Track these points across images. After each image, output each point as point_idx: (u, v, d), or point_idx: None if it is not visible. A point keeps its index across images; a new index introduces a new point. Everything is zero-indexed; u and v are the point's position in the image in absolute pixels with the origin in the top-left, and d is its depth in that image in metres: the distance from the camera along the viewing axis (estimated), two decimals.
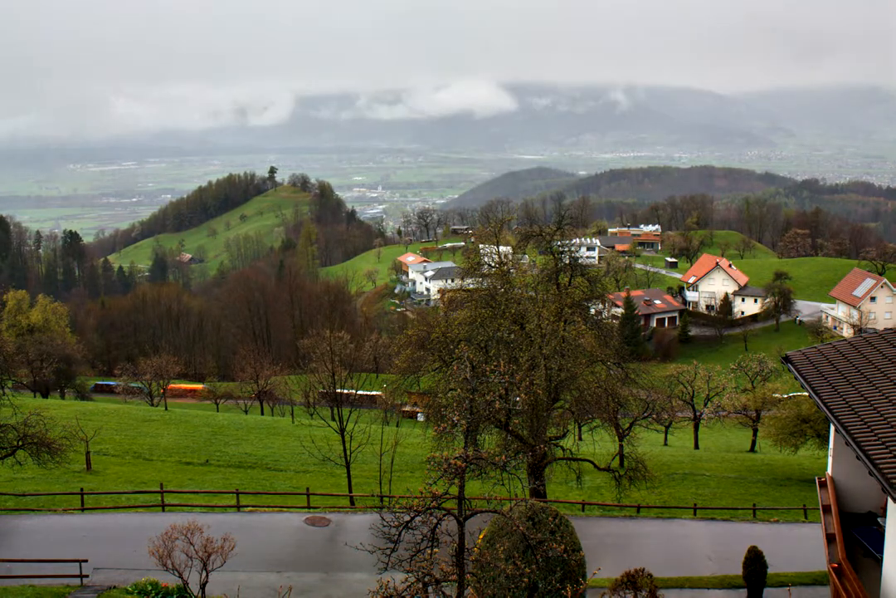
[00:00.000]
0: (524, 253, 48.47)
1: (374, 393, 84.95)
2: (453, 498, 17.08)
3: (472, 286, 40.41)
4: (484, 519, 20.35)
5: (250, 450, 55.04)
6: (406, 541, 16.65)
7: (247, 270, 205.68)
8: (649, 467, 39.35)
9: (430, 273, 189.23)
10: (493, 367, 21.19)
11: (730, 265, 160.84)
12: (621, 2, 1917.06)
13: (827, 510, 18.19)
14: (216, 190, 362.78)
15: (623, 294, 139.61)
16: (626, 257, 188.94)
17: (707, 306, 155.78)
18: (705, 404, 70.39)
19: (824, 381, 17.59)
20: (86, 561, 27.20)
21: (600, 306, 45.44)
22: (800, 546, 32.74)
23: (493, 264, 40.06)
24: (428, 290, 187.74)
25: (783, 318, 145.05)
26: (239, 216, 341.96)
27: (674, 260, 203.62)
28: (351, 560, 28.43)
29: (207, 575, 22.98)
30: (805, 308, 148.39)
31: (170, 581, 24.94)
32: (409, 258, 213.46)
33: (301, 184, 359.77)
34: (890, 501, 14.73)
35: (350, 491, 41.01)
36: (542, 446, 35.38)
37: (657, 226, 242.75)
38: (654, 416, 55.75)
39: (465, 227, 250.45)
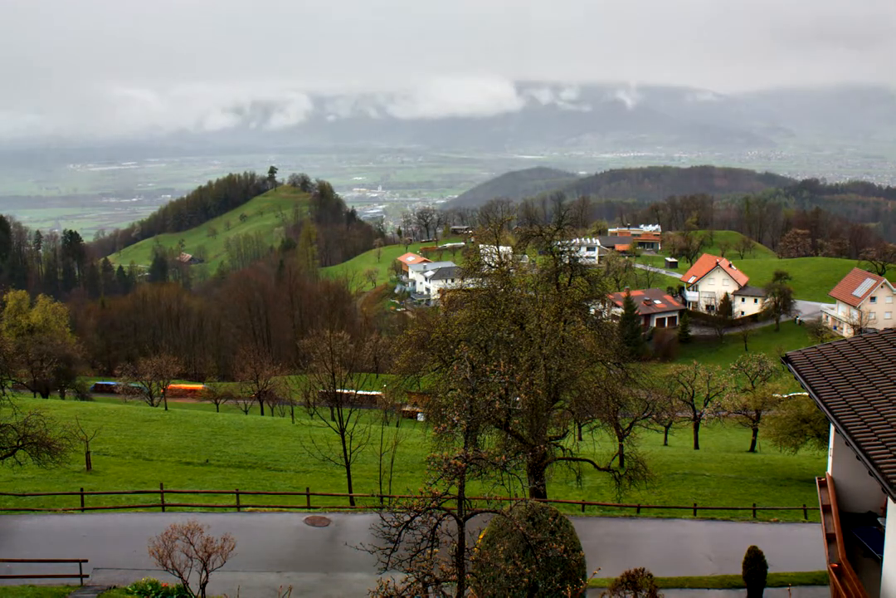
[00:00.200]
0: (524, 253, 48.50)
1: (374, 393, 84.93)
2: (453, 498, 17.07)
3: (472, 286, 40.40)
4: (484, 519, 20.34)
5: (250, 450, 55.04)
6: (406, 541, 16.65)
7: (247, 270, 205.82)
8: (649, 467, 39.33)
9: (430, 273, 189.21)
10: (493, 367, 21.19)
11: (730, 265, 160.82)
12: (622, 2, 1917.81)
13: (827, 510, 18.18)
14: (216, 190, 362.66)
15: (623, 294, 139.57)
16: (626, 257, 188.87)
17: (707, 306, 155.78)
18: (705, 404, 70.37)
19: (824, 381, 17.59)
20: (86, 561, 27.19)
21: (600, 305, 45.44)
22: (800, 546, 32.72)
23: (493, 264, 40.04)
24: (428, 290, 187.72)
25: (783, 318, 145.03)
26: (239, 216, 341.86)
27: (674, 260, 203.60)
28: (351, 560, 28.42)
29: (207, 575, 22.97)
30: (805, 308, 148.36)
31: (170, 581, 24.93)
32: (409, 258, 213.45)
33: (301, 184, 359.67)
34: (890, 501, 14.73)
35: (350, 491, 41.00)
36: (542, 446, 35.37)
37: (657, 226, 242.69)
38: (654, 416, 55.74)
39: (465, 227, 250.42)
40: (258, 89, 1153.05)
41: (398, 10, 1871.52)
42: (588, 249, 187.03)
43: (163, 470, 47.04)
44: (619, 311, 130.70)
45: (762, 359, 79.04)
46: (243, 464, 50.74)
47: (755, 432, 68.01)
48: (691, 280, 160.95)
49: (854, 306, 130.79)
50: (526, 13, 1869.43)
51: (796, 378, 18.79)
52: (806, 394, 23.53)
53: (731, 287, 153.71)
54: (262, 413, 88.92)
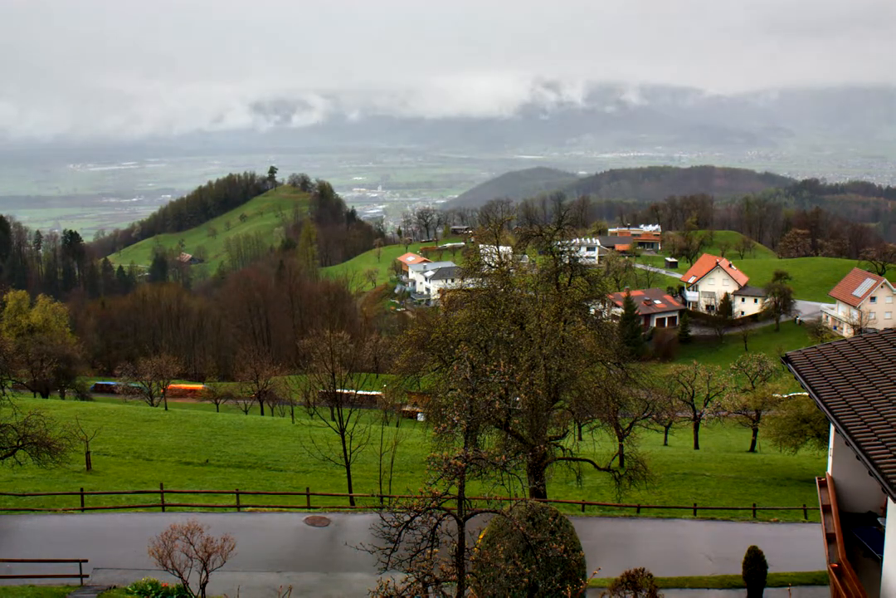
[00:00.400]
0: (524, 253, 48.48)
1: (374, 393, 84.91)
2: (453, 498, 17.07)
3: (472, 286, 40.39)
4: (484, 519, 20.35)
5: (250, 450, 55.04)
6: (406, 541, 16.65)
7: (247, 270, 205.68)
8: (649, 467, 39.34)
9: (430, 273, 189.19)
10: (493, 367, 21.17)
11: (730, 265, 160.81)
12: (622, 2, 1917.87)
13: (827, 510, 18.18)
14: (216, 190, 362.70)
15: (623, 294, 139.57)
16: (626, 257, 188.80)
17: (707, 306, 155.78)
18: (705, 404, 70.36)
19: (824, 381, 17.59)
20: (86, 561, 27.18)
21: (600, 305, 45.42)
22: (800, 546, 32.72)
23: (492, 264, 40.05)
24: (428, 290, 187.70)
25: (783, 318, 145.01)
26: (239, 216, 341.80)
27: (674, 260, 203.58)
28: (351, 560, 28.39)
29: (207, 575, 22.97)
30: (805, 308, 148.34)
31: (170, 581, 24.93)
32: (409, 258, 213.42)
33: (301, 184, 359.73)
34: (890, 501, 14.73)
35: (350, 491, 41.00)
36: (542, 446, 35.37)
37: (657, 226, 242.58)
38: (654, 416, 55.75)
39: (465, 227, 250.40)
40: (258, 89, 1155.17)
41: (398, 10, 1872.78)
42: (588, 249, 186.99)
43: (163, 470, 47.04)
44: (619, 311, 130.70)
45: (762, 359, 79.02)
46: (243, 464, 50.74)
47: (755, 432, 68.01)
48: (691, 280, 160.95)
49: (854, 306, 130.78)
50: (526, 13, 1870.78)
51: (796, 378, 18.78)
52: (806, 394, 23.54)
53: (731, 287, 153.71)
54: (262, 413, 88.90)
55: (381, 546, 16.69)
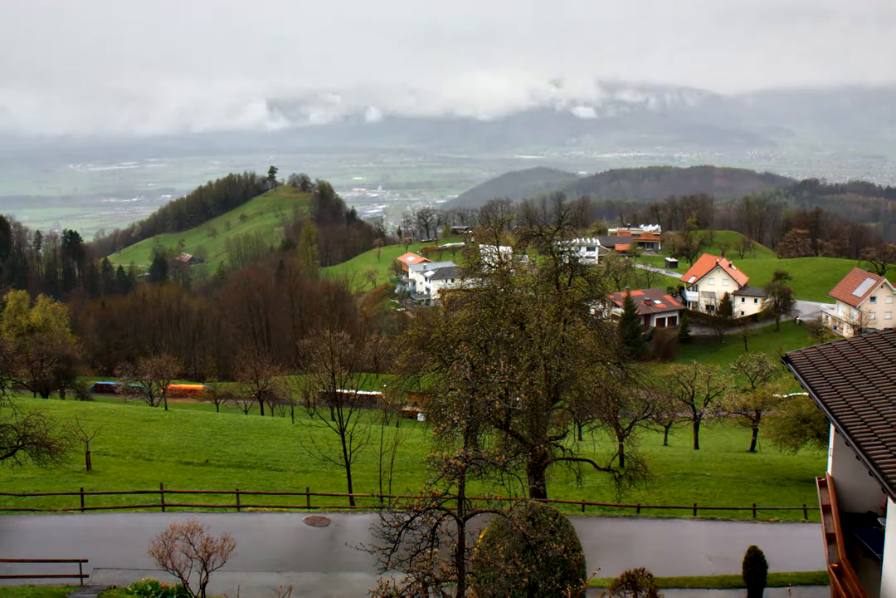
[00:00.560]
0: (524, 253, 48.53)
1: (374, 393, 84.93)
2: (453, 498, 17.07)
3: (472, 286, 40.39)
4: (484, 519, 20.35)
5: (250, 450, 55.04)
6: (406, 541, 16.64)
7: (247, 270, 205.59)
8: (649, 467, 39.35)
9: (430, 273, 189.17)
10: (493, 367, 21.17)
11: (730, 265, 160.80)
12: (622, 2, 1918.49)
13: (827, 510, 18.18)
14: (216, 190, 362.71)
15: (623, 294, 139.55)
16: (626, 257, 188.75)
17: (707, 306, 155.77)
18: (705, 404, 70.36)
19: (824, 381, 17.59)
20: (86, 561, 27.18)
21: (600, 305, 45.42)
22: (800, 546, 32.71)
23: (492, 264, 40.05)
24: (428, 290, 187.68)
25: (783, 318, 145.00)
26: (239, 216, 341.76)
27: (674, 260, 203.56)
28: (351, 560, 28.37)
29: (207, 575, 22.97)
30: (805, 308, 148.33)
31: (170, 581, 24.93)
32: (409, 258, 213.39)
33: (301, 184, 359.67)
34: (890, 501, 14.73)
35: (350, 491, 41.00)
36: (542, 446, 35.37)
37: (657, 226, 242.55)
38: (654, 416, 55.78)
39: (465, 227, 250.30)
40: (258, 89, 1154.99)
41: (398, 10, 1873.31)
42: (588, 249, 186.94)
43: (163, 470, 47.04)
44: (619, 311, 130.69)
45: (762, 359, 79.02)
46: (243, 464, 50.74)
47: (755, 432, 68.01)
48: (691, 280, 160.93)
49: (854, 306, 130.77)
50: (526, 14, 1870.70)
51: (796, 378, 18.78)
52: (806, 394, 23.55)
53: (731, 287, 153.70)
54: (262, 413, 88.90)
55: (381, 546, 16.69)
